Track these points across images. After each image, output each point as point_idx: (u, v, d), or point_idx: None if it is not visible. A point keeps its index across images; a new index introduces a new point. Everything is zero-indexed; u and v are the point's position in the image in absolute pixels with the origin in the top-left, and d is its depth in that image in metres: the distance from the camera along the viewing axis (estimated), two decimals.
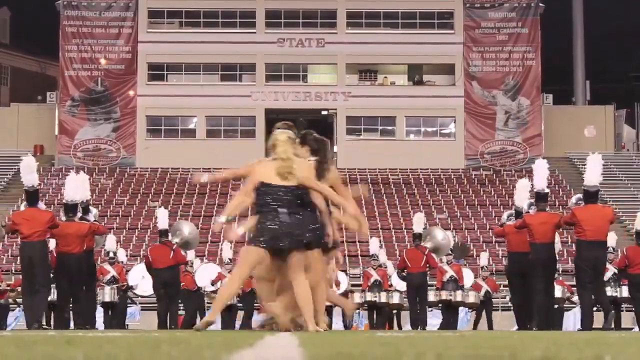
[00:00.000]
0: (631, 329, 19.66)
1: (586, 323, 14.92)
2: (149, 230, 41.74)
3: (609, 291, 18.89)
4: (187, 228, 19.19)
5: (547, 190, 15.52)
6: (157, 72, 51.01)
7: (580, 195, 15.43)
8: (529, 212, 15.54)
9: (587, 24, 54.71)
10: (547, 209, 15.37)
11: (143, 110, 50.33)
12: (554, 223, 15.06)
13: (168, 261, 18.04)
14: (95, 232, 16.31)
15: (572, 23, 54.76)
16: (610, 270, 19.27)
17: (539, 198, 15.29)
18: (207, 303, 22.12)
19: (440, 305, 21.31)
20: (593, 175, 14.70)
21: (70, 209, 15.93)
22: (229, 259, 22.54)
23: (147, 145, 49.93)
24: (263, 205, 9.13)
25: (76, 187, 16.20)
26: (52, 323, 17.28)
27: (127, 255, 27.82)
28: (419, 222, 20.39)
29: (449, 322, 20.61)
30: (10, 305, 24.45)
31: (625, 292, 19.39)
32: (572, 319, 24.17)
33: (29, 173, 14.94)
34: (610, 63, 70.56)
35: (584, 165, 15.65)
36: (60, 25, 50.59)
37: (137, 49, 50.40)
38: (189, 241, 19.08)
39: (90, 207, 17.20)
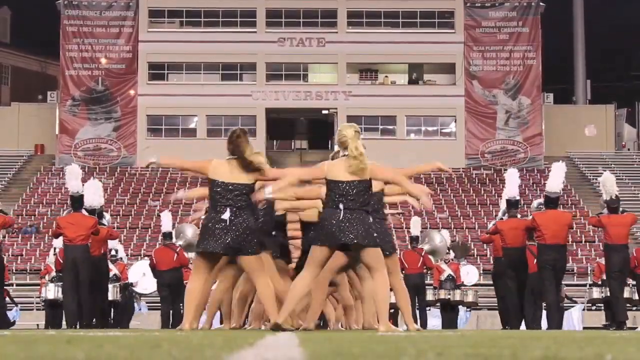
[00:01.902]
0: (634, 328, 19.66)
1: (552, 323, 15.40)
2: (149, 230, 41.75)
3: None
4: (190, 230, 19.40)
5: (517, 198, 16.29)
6: (158, 71, 51.00)
7: (541, 201, 16.30)
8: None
9: (587, 23, 54.71)
10: (517, 216, 16.22)
11: (144, 109, 50.32)
12: (523, 228, 15.72)
13: (172, 263, 18.61)
14: (110, 237, 17.10)
15: (572, 22, 54.75)
16: None
17: (510, 205, 16.11)
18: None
19: (438, 304, 21.34)
20: (555, 182, 15.42)
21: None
22: None
23: (148, 145, 49.90)
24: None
25: (94, 193, 16.74)
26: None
27: (127, 255, 27.83)
28: (415, 225, 20.68)
29: (449, 321, 20.61)
30: (8, 305, 24.41)
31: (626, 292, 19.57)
32: (570, 318, 24.19)
33: (74, 179, 15.75)
34: (610, 62, 70.55)
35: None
36: (60, 25, 50.59)
37: (137, 48, 50.39)
38: (193, 243, 19.29)
39: (104, 213, 17.63)
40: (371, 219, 8.98)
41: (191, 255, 21.20)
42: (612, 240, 15.42)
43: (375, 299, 9.16)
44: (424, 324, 20.42)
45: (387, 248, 9.64)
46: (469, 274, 21.51)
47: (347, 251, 9.03)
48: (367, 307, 10.58)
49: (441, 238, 20.38)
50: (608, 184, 15.68)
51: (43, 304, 21.33)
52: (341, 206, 8.81)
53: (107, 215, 17.98)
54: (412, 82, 52.22)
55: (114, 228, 17.16)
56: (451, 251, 20.94)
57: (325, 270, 9.12)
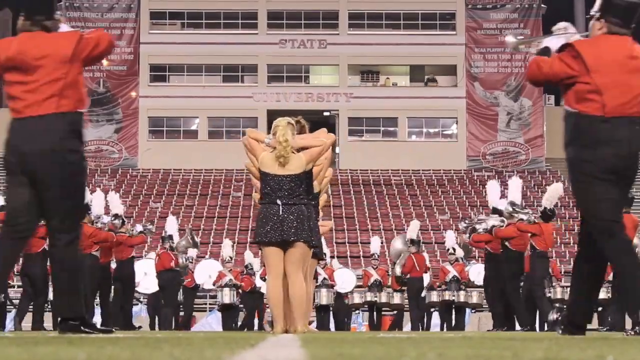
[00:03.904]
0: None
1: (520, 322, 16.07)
2: None
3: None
4: (193, 252, 20.57)
5: (501, 208, 16.96)
6: (159, 73, 51.05)
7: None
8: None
9: (588, 25, 54.67)
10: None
11: (145, 111, 50.36)
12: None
13: (168, 265, 18.78)
14: (132, 244, 18.00)
15: (574, 24, 54.73)
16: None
17: (493, 212, 17.15)
18: (209, 303, 22.14)
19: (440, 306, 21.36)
20: (513, 196, 16.91)
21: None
22: (230, 257, 22.62)
23: (149, 147, 49.95)
24: None
25: (118, 205, 18.06)
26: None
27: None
28: (414, 228, 21.10)
29: (457, 322, 20.63)
30: (7, 307, 24.41)
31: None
32: None
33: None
34: None
35: None
36: None
37: (139, 50, 50.43)
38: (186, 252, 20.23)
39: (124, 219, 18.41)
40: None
41: (192, 254, 21.33)
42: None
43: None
44: (427, 325, 20.69)
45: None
46: (480, 273, 21.55)
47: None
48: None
49: (400, 243, 20.94)
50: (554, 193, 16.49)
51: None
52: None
53: (138, 226, 19.04)
54: (426, 82, 52.12)
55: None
56: (456, 251, 20.98)
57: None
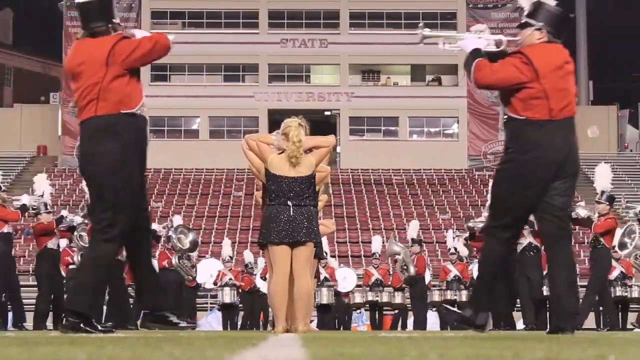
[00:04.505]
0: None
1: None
2: None
3: (619, 291, 19.09)
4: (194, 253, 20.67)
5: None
6: (160, 72, 51.02)
7: None
8: None
9: (590, 25, 54.67)
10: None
11: (146, 110, 50.28)
12: None
13: (161, 265, 18.87)
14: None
15: (575, 23, 54.71)
16: (617, 270, 19.37)
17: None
18: (211, 302, 22.14)
19: (442, 306, 21.36)
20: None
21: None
22: (230, 256, 22.62)
23: (150, 146, 49.93)
24: None
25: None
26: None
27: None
28: (414, 228, 21.15)
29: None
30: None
31: (634, 292, 19.70)
32: None
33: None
34: (613, 63, 70.52)
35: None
36: (63, 26, 50.61)
37: None
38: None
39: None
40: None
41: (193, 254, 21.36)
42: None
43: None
44: (425, 325, 20.68)
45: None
46: None
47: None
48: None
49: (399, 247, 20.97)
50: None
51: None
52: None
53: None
54: (430, 81, 52.09)
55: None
56: (459, 250, 20.98)
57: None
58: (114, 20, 7.35)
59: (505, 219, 7.51)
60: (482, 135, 50.44)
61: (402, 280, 20.90)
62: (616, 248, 17.09)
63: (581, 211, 16.37)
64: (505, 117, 7.60)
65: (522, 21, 7.58)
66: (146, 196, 7.71)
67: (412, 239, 20.69)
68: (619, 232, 18.31)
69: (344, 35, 51.14)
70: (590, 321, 16.24)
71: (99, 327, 7.47)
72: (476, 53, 7.54)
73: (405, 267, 20.20)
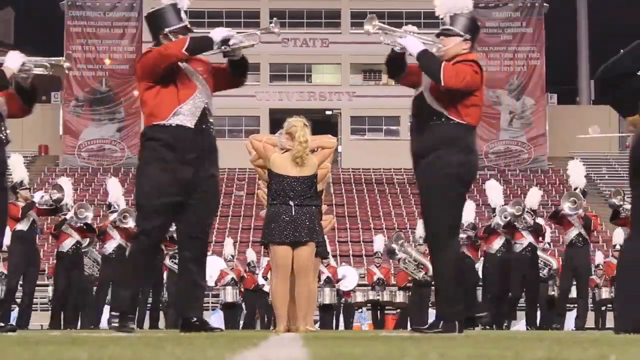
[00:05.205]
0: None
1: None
2: None
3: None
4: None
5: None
6: None
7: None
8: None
9: (591, 23, 54.67)
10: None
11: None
12: None
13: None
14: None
15: (576, 22, 54.71)
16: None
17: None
18: (213, 302, 22.13)
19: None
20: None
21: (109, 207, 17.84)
22: (231, 255, 22.63)
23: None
24: None
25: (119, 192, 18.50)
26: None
27: None
28: (422, 228, 20.93)
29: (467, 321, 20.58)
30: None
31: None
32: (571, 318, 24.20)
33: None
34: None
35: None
36: (64, 26, 50.64)
37: (141, 49, 50.42)
38: None
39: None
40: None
41: None
42: None
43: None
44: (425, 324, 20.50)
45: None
46: None
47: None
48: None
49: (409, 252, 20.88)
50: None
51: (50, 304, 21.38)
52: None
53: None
54: None
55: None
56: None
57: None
58: (164, 32, 7.52)
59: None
60: (483, 135, 50.38)
61: (415, 279, 20.50)
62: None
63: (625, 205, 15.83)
64: (443, 119, 7.44)
65: (446, 29, 7.91)
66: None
67: (422, 237, 20.48)
68: (619, 233, 18.35)
69: (345, 35, 51.14)
70: (590, 321, 16.25)
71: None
72: (432, 55, 7.67)
73: (421, 266, 19.76)
